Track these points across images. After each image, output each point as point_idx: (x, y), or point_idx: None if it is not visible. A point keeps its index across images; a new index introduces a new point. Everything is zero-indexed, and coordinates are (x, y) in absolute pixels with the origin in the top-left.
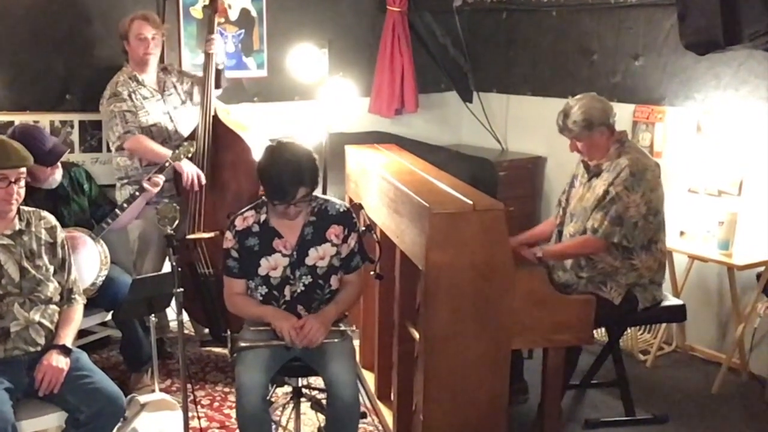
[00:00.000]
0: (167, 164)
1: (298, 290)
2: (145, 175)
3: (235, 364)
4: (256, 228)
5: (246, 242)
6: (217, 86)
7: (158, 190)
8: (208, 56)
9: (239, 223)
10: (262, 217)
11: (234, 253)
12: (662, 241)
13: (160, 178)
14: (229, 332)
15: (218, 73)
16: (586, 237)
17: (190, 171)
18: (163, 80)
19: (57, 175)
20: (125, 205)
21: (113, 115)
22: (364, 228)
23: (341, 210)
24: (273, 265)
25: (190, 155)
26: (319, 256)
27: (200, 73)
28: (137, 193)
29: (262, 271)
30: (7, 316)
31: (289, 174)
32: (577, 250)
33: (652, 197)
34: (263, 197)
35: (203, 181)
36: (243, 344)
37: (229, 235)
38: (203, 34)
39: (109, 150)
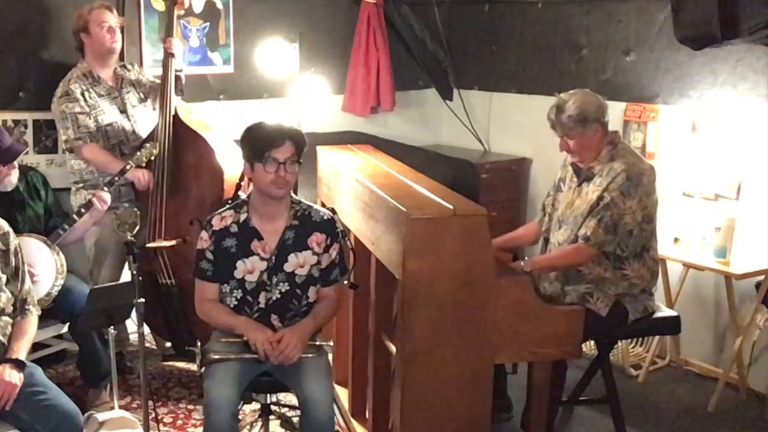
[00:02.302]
0: (129, 167)
1: (274, 298)
2: (101, 179)
3: (204, 379)
4: (234, 228)
5: (222, 243)
6: (177, 93)
7: (106, 205)
8: (167, 55)
9: (216, 223)
10: (242, 217)
11: (209, 255)
12: (654, 249)
13: (107, 196)
14: (199, 344)
15: (176, 78)
16: (576, 246)
17: (141, 175)
18: (120, 77)
19: (13, 177)
20: (83, 210)
21: (64, 116)
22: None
23: (325, 218)
24: (250, 268)
25: (153, 157)
26: (299, 263)
27: (160, 70)
28: (93, 200)
29: (237, 275)
30: None
31: (276, 126)
32: (566, 260)
33: (648, 203)
34: (234, 200)
35: (150, 186)
36: (215, 356)
37: (204, 235)
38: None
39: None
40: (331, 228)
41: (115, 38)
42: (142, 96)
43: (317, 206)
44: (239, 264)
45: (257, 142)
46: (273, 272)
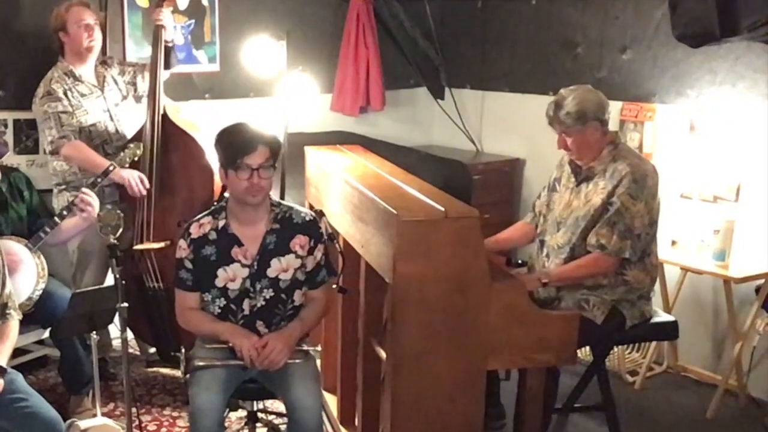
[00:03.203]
0: (111, 168)
1: (259, 304)
2: (85, 181)
3: (189, 386)
4: (213, 235)
5: (202, 251)
6: (167, 66)
7: (92, 208)
8: (157, 29)
9: (194, 231)
10: (221, 223)
11: (188, 264)
12: (654, 253)
13: (94, 198)
14: (183, 350)
15: (168, 51)
16: (595, 256)
17: (130, 177)
18: (102, 74)
19: None
20: (65, 212)
21: (47, 116)
22: (326, 237)
23: (307, 219)
24: (231, 276)
25: (136, 158)
26: (282, 267)
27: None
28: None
29: (219, 283)
30: None
31: (249, 130)
32: (586, 270)
33: (653, 206)
34: (220, 201)
35: (146, 184)
36: (199, 363)
37: (183, 243)
38: (150, 26)
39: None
40: (314, 229)
41: (93, 37)
42: (124, 93)
43: (298, 207)
44: (220, 272)
45: (229, 148)
46: (256, 278)
